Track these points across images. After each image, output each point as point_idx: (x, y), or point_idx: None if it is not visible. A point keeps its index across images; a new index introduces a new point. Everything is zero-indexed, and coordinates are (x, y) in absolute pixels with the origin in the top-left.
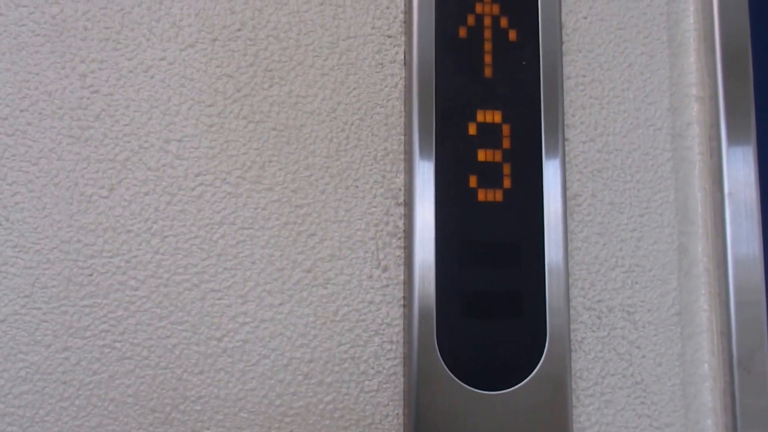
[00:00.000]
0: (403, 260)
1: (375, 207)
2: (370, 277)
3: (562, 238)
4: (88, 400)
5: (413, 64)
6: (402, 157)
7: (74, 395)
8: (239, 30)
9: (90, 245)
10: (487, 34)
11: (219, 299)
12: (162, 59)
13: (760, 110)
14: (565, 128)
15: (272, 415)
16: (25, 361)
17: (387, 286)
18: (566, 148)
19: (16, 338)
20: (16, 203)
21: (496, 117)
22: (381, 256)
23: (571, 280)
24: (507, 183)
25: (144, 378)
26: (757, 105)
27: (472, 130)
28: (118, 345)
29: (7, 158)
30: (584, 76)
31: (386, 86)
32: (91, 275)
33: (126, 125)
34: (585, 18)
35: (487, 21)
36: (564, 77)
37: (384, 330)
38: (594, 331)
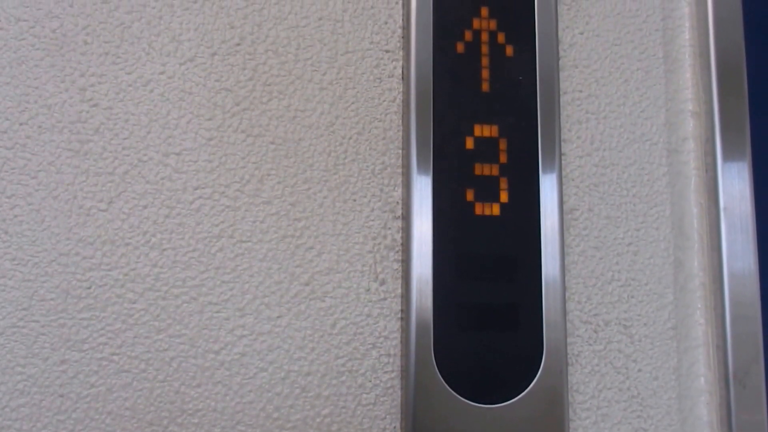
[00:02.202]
0: (400, 274)
1: (373, 221)
2: (368, 290)
3: (558, 252)
4: (86, 413)
5: (411, 79)
6: (400, 171)
7: (71, 408)
8: (238, 44)
9: (88, 258)
10: (485, 49)
11: (217, 312)
12: (161, 73)
13: (755, 126)
14: (562, 143)
15: (270, 429)
16: (23, 374)
17: (384, 299)
18: (563, 162)
19: (14, 351)
20: (15, 216)
21: (493, 131)
22: (379, 270)
23: (567, 294)
24: (504, 197)
25: (142, 391)
26: (752, 120)
27: (469, 144)
28: (115, 358)
29: (6, 171)
30: (581, 91)
31: (384, 100)
32: (89, 288)
33: (125, 139)
34: (581, 34)
35: (485, 36)
36: (561, 92)
37: (381, 343)
38: (590, 345)
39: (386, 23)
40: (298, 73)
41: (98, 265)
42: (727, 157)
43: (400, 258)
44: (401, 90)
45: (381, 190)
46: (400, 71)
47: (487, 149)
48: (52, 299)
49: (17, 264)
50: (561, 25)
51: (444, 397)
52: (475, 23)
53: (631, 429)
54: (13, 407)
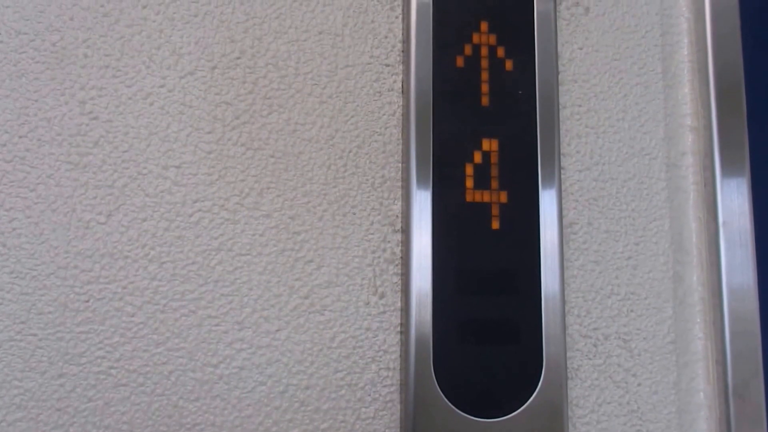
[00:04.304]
0: (400, 287)
1: (372, 234)
2: (367, 303)
3: (558, 266)
4: (83, 427)
5: (411, 93)
6: (399, 184)
7: (69, 422)
8: (238, 58)
9: (87, 271)
10: (484, 63)
11: (216, 325)
12: (161, 86)
13: (754, 141)
14: (561, 157)
15: None
16: (20, 388)
17: (384, 312)
18: (562, 176)
19: (11, 365)
20: (14, 229)
21: (492, 145)
22: (378, 283)
23: (567, 308)
24: (503, 211)
25: (140, 405)
26: (750, 135)
27: (468, 157)
28: (113, 372)
29: (5, 184)
30: (580, 106)
31: (384, 114)
32: (87, 301)
33: (125, 152)
34: (581, 49)
35: (484, 51)
36: (560, 106)
37: (381, 357)
38: (590, 359)
39: (386, 37)
40: (298, 86)
41: (97, 278)
42: (726, 172)
43: (399, 271)
44: (401, 104)
45: (381, 204)
46: (400, 85)
47: (486, 163)
48: (50, 312)
49: (15, 277)
50: (560, 40)
51: (443, 411)
52: (475, 38)
53: None
54: (10, 421)
